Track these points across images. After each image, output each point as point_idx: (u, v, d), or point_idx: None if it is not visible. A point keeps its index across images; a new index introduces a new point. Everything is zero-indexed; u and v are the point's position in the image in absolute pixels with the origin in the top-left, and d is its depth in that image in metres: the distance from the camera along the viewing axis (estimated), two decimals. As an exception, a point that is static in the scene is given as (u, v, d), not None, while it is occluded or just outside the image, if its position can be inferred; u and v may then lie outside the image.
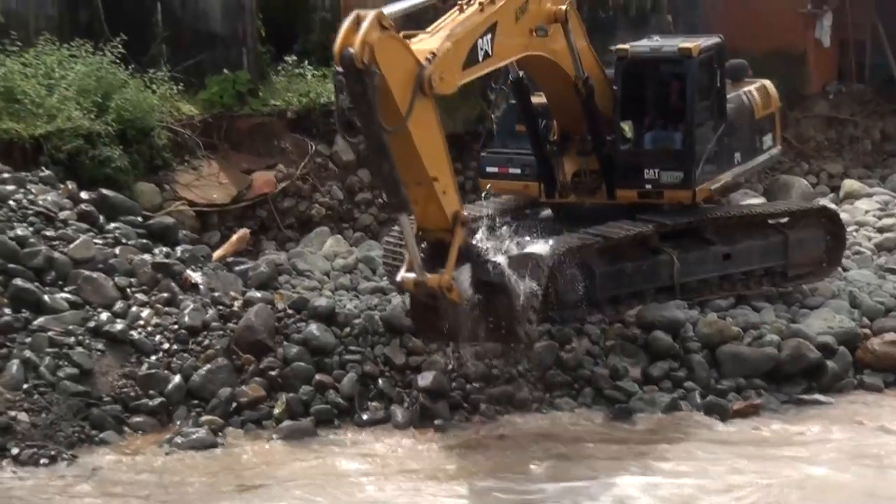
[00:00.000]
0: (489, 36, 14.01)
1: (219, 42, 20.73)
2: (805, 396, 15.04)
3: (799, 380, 15.24)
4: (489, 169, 17.25)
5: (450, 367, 14.67)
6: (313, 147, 19.99)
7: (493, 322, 13.95)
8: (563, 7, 15.20)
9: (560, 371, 14.89)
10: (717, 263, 16.43)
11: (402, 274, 13.70)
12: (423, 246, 13.88)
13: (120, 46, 18.50)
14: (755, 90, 17.85)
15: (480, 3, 13.98)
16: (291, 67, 21.07)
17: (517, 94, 16.52)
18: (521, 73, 16.08)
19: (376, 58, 12.42)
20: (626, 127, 16.34)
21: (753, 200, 19.27)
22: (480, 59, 13.98)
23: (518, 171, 16.80)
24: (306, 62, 21.21)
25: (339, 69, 12.55)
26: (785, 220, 17.30)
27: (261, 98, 20.45)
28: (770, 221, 17.21)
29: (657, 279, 16.00)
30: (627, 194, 16.21)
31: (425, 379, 14.38)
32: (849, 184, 21.94)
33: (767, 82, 18.30)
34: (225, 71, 20.28)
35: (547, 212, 16.98)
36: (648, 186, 16.05)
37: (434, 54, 13.13)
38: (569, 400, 14.73)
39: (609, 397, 14.71)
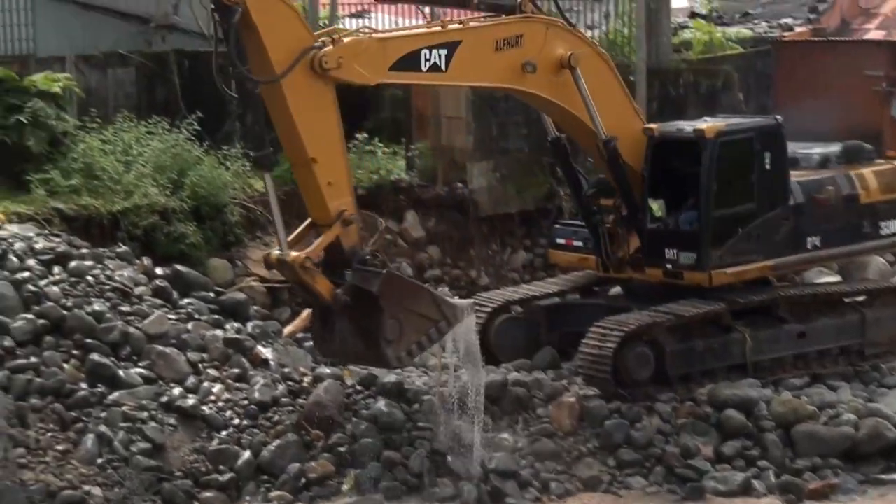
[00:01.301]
0: (443, 51, 14.15)
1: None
2: (884, 476, 14.77)
3: (877, 459, 14.96)
4: (558, 240, 17.24)
5: (519, 444, 14.59)
6: (383, 223, 20.13)
7: (366, 338, 13.77)
8: (567, 53, 15.12)
9: (630, 449, 14.75)
10: (791, 342, 16.23)
11: (274, 251, 13.78)
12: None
13: (195, 123, 18.85)
14: (871, 173, 17.26)
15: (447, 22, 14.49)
16: (362, 144, 21.31)
17: (555, 155, 16.52)
18: (559, 134, 16.12)
19: (248, 4, 12.87)
20: (657, 206, 16.11)
21: (829, 279, 19.03)
22: (424, 68, 14.12)
23: (581, 243, 16.73)
24: (376, 139, 21.44)
25: (213, 4, 13.01)
26: (862, 298, 17.06)
27: (332, 175, 20.65)
28: (846, 300, 16.98)
29: (729, 357, 15.84)
30: (655, 273, 16.03)
31: (495, 460, 14.29)
32: (925, 262, 21.65)
33: None
34: (296, 147, 20.53)
35: (616, 289, 16.92)
36: (669, 266, 15.85)
37: (333, 39, 13.54)
38: (640, 478, 14.57)
39: (681, 476, 14.53)
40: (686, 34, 28.25)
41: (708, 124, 16.02)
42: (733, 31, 29.17)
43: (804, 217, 16.45)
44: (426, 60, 14.13)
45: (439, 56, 14.20)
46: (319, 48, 13.40)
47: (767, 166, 16.08)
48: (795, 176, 16.63)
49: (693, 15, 32.88)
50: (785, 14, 33.65)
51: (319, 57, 13.34)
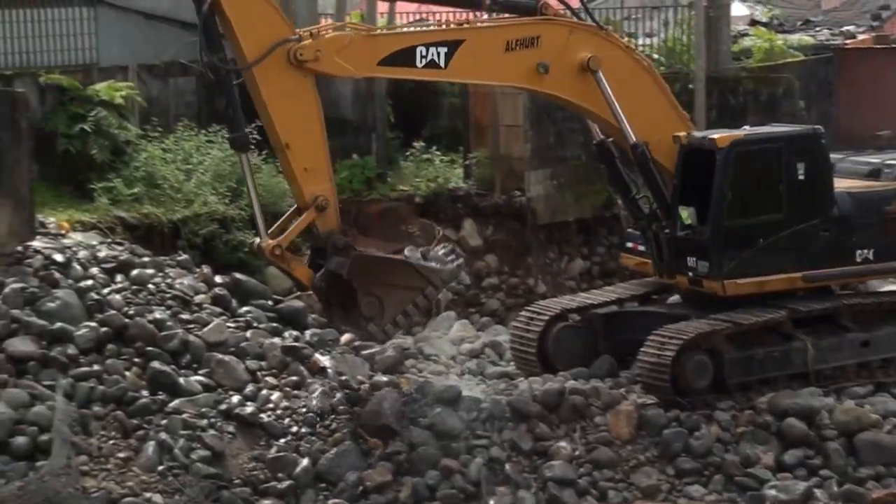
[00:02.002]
0: (443, 49, 14.52)
1: (349, 128, 21.16)
2: (947, 486, 14.56)
3: (941, 468, 14.75)
4: (628, 244, 17.14)
5: (577, 452, 14.55)
6: (441, 232, 20.14)
7: (354, 316, 14.44)
8: (587, 55, 15.22)
9: (689, 457, 14.65)
10: (854, 350, 16.02)
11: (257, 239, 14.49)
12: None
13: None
14: None
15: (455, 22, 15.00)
16: (420, 153, 21.38)
17: (601, 159, 16.44)
18: (604, 137, 16.06)
19: None
20: (686, 213, 15.92)
21: (894, 287, 18.73)
22: (419, 64, 14.53)
23: (645, 247, 16.57)
24: (434, 147, 21.51)
25: None
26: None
27: (389, 183, 20.78)
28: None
29: (790, 366, 15.68)
30: (682, 280, 15.98)
31: (552, 469, 14.26)
32: None
33: None
34: (354, 156, 20.66)
35: (675, 297, 16.81)
36: (691, 274, 15.77)
37: (311, 34, 14.16)
38: (699, 487, 14.46)
39: (740, 484, 14.40)
40: (746, 42, 28.06)
41: (722, 134, 15.83)
42: (794, 38, 28.95)
43: (852, 229, 16.02)
44: (422, 57, 14.56)
45: (437, 53, 14.60)
46: (297, 41, 13.98)
47: (801, 176, 15.76)
48: (846, 186, 16.33)
49: (753, 23, 32.69)
50: (847, 21, 33.40)
51: (295, 49, 13.93)
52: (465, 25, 15.27)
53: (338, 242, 14.29)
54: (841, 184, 16.38)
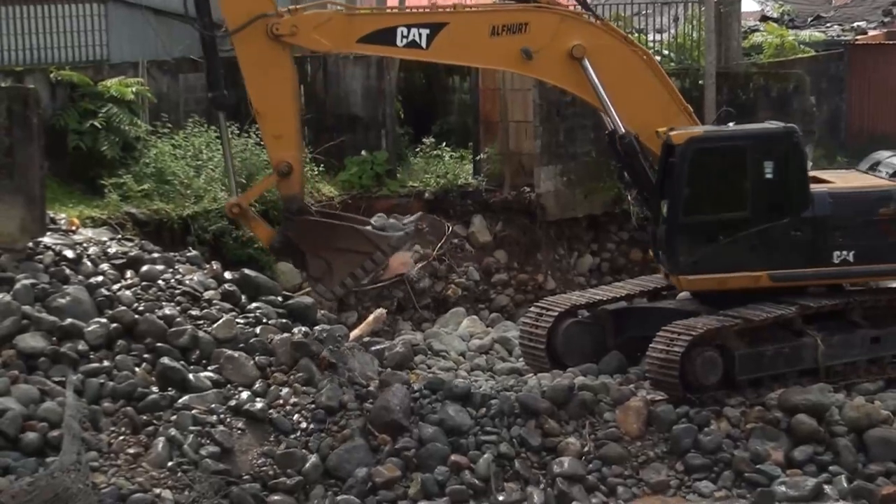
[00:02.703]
0: (425, 30, 15.12)
1: (359, 124, 21.19)
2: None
3: (951, 465, 14.71)
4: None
5: (586, 448, 14.55)
6: (450, 228, 20.19)
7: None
8: (571, 44, 15.47)
9: (699, 453, 14.63)
10: (865, 347, 15.96)
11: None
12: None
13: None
14: None
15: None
16: (429, 149, 21.38)
17: (612, 150, 16.37)
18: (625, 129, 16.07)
19: None
20: (665, 207, 15.92)
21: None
22: (400, 44, 15.21)
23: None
24: (444, 143, 21.52)
25: None
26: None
27: (398, 179, 20.80)
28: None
29: (800, 362, 15.64)
30: (661, 271, 16.15)
31: (561, 465, 14.27)
32: None
33: None
34: (364, 152, 20.68)
35: (685, 293, 16.79)
36: (662, 267, 15.95)
37: (290, 10, 15.08)
38: (708, 483, 14.44)
39: (750, 480, 14.37)
40: (757, 38, 28.06)
41: (679, 131, 15.74)
42: (805, 34, 28.94)
43: (829, 230, 15.74)
44: (403, 37, 15.21)
45: (419, 34, 15.20)
46: (278, 16, 14.87)
47: (768, 175, 15.63)
48: (830, 186, 16.10)
49: (764, 18, 32.66)
50: (858, 17, 33.31)
51: (272, 24, 14.80)
52: (450, 9, 15.79)
53: (292, 206, 15.13)
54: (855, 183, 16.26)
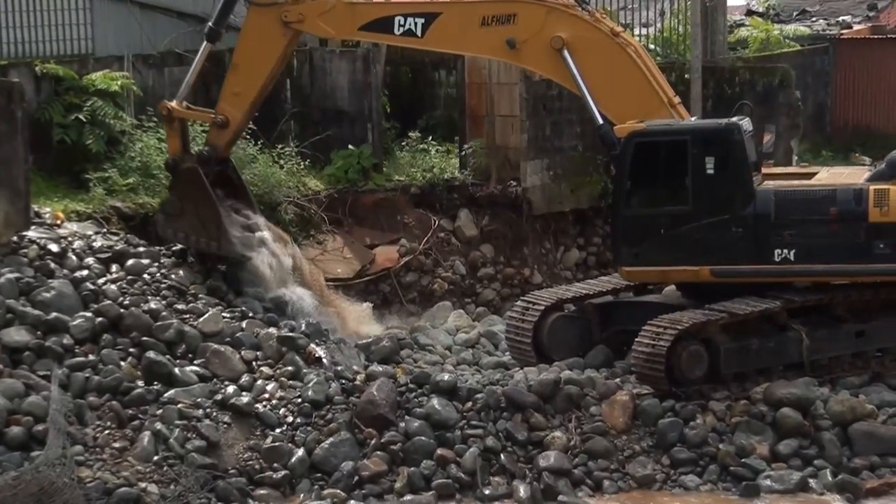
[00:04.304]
0: (420, 20, 16.07)
1: (345, 118, 21.15)
2: (942, 475, 14.56)
3: (935, 458, 14.76)
4: None
5: (572, 442, 14.57)
6: (436, 222, 20.17)
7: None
8: (552, 36, 15.85)
9: (684, 447, 14.66)
10: (849, 341, 15.99)
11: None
12: None
13: (250, 122, 18.98)
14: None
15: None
16: (415, 143, 21.36)
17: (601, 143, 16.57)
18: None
19: None
20: None
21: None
22: (397, 32, 16.26)
23: None
24: (430, 137, 21.49)
25: None
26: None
27: (385, 173, 20.77)
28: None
29: (785, 356, 15.67)
30: None
31: (547, 459, 14.29)
32: None
33: None
34: (350, 146, 20.65)
35: (671, 287, 16.82)
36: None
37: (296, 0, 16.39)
38: (694, 477, 14.47)
39: (735, 474, 14.41)
40: (742, 32, 28.08)
41: (623, 125, 15.74)
42: (790, 28, 28.95)
43: (771, 227, 15.57)
44: (400, 25, 16.22)
45: (415, 23, 16.16)
46: (281, 3, 16.28)
47: (709, 170, 15.57)
48: (777, 184, 16.03)
49: (750, 13, 32.68)
50: (843, 11, 33.35)
51: (283, 11, 16.36)
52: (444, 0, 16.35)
53: (204, 153, 16.85)
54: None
